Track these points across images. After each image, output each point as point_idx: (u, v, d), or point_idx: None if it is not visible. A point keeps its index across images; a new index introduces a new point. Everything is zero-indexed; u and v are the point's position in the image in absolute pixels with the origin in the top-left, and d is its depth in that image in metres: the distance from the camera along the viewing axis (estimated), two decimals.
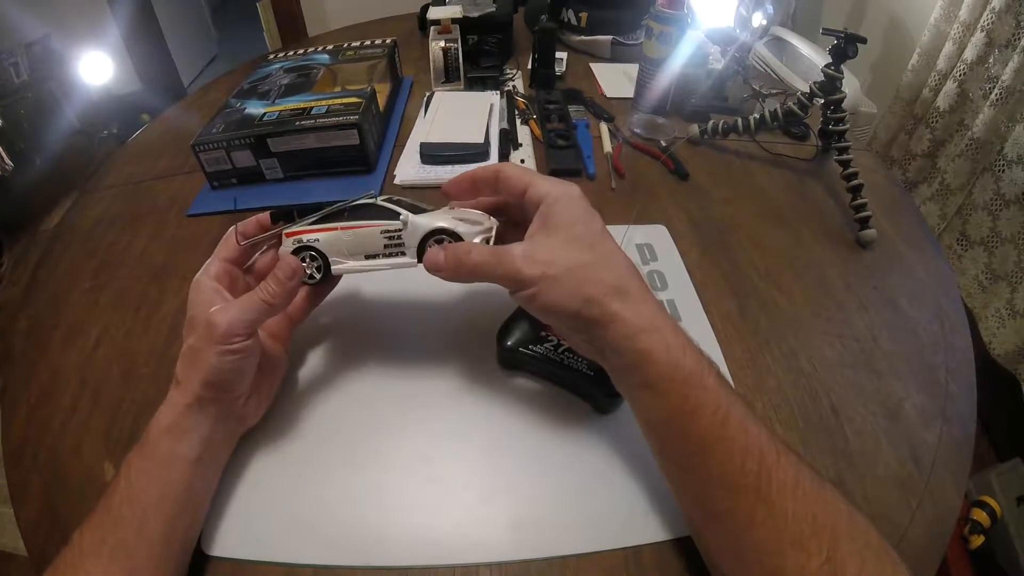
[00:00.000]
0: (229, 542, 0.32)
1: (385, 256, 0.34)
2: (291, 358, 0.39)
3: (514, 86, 0.81)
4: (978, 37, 1.03)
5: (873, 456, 0.37)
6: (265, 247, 0.37)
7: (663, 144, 0.67)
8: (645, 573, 0.31)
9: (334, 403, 0.39)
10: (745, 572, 0.25)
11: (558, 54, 0.84)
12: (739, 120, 0.66)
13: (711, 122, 0.68)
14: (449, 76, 0.79)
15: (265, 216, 0.36)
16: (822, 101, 0.60)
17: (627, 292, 0.29)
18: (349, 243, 0.34)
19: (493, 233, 0.34)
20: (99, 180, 0.66)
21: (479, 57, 0.86)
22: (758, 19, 0.75)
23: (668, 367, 0.27)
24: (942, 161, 1.17)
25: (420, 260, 0.33)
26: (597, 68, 0.88)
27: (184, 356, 0.31)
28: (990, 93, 1.01)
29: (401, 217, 0.33)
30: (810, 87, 0.60)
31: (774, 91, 0.78)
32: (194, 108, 0.81)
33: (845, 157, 0.57)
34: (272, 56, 0.78)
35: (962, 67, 1.08)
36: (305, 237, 0.34)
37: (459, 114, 0.71)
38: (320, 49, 0.76)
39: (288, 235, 0.35)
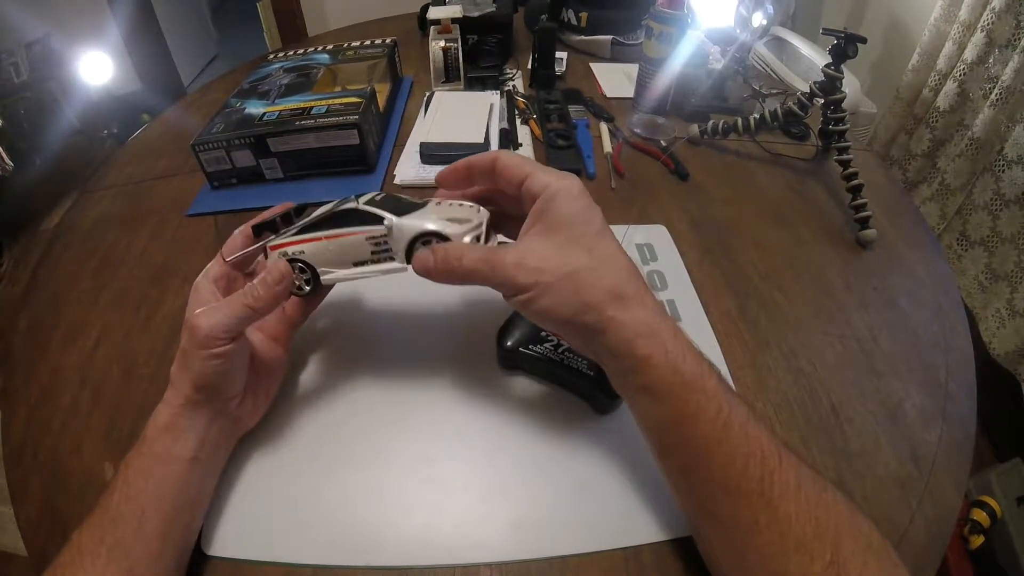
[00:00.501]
0: (228, 542, 0.32)
1: (373, 263, 0.33)
2: (290, 359, 0.38)
3: (514, 86, 0.81)
4: (978, 37, 1.03)
5: (873, 456, 0.37)
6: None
7: (663, 144, 0.67)
8: (645, 573, 0.31)
9: (334, 403, 0.39)
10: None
11: (558, 54, 0.84)
12: (739, 120, 0.66)
13: (711, 122, 0.68)
14: (449, 76, 0.79)
15: (248, 228, 0.35)
16: (822, 101, 0.60)
17: (625, 296, 0.28)
18: (335, 252, 0.33)
19: (484, 228, 0.32)
20: (99, 180, 0.66)
21: (479, 57, 0.86)
22: (758, 19, 0.75)
23: (667, 372, 0.27)
24: (942, 161, 1.17)
25: (409, 263, 0.32)
26: (597, 68, 0.88)
27: (177, 358, 0.31)
28: (990, 93, 1.01)
29: (385, 222, 0.32)
30: (810, 87, 0.60)
31: (774, 91, 0.78)
32: (194, 108, 0.82)
33: (845, 157, 0.57)
34: (272, 56, 0.79)
35: (962, 67, 1.07)
36: (290, 250, 0.33)
37: (459, 114, 0.71)
38: (320, 49, 0.76)
39: (273, 248, 0.34)
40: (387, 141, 0.68)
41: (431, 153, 0.63)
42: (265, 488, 0.34)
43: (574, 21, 0.91)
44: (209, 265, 0.34)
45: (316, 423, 0.37)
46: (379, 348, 0.42)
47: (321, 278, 0.34)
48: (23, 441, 0.38)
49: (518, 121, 0.72)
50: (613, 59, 0.90)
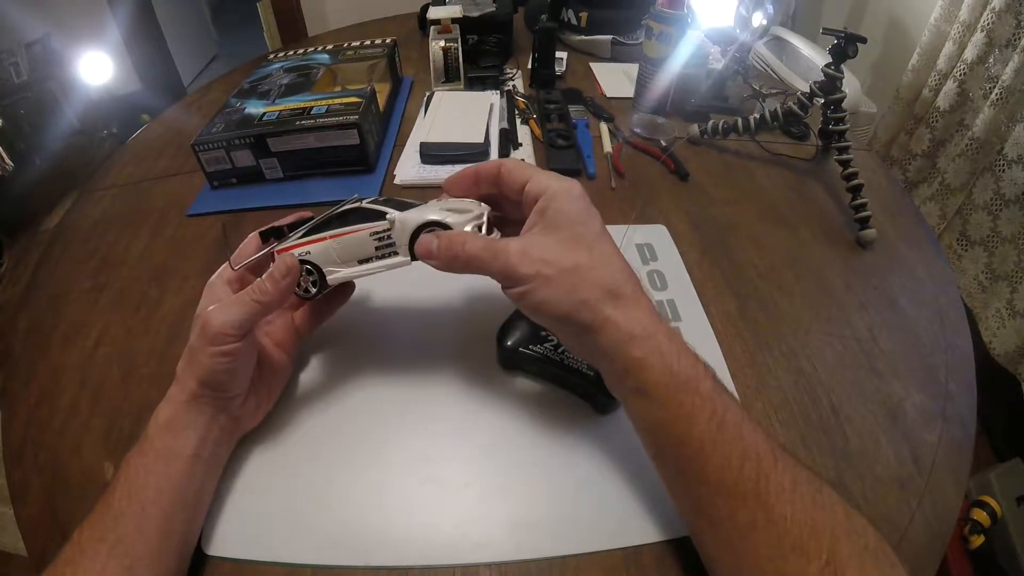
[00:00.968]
0: (229, 542, 0.32)
1: (378, 258, 0.34)
2: (294, 366, 0.39)
3: (514, 86, 0.81)
4: (978, 37, 1.03)
5: (873, 456, 0.37)
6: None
7: (663, 144, 0.67)
8: (645, 573, 0.31)
9: (334, 403, 0.39)
10: None
11: (558, 54, 0.84)
12: (739, 120, 0.66)
13: (711, 122, 0.68)
14: (449, 76, 0.79)
15: (257, 236, 0.36)
16: (822, 101, 0.60)
17: (621, 296, 0.28)
18: (340, 251, 0.34)
19: (485, 220, 0.33)
20: (99, 180, 0.66)
21: (479, 57, 0.86)
22: (758, 19, 0.75)
23: (662, 373, 0.27)
24: (942, 161, 1.17)
25: (413, 257, 0.33)
26: (597, 68, 0.88)
27: (184, 354, 0.31)
28: (990, 93, 1.01)
29: (388, 216, 0.32)
30: (810, 87, 0.60)
31: (774, 91, 0.78)
32: (194, 108, 0.81)
33: (845, 157, 0.57)
34: (272, 56, 0.78)
35: (962, 67, 1.08)
36: (296, 252, 0.34)
37: (459, 114, 0.71)
38: (320, 49, 0.76)
39: (279, 252, 0.35)
40: (387, 141, 0.68)
41: (431, 153, 0.63)
42: (265, 488, 0.34)
43: (574, 21, 0.91)
44: (223, 267, 0.34)
45: (316, 423, 0.37)
46: (379, 348, 0.42)
47: (328, 278, 0.35)
48: (23, 441, 0.38)
49: (518, 121, 0.72)
50: (613, 59, 0.90)
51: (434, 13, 0.77)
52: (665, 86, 0.66)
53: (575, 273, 0.28)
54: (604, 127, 0.70)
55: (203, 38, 2.72)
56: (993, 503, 0.91)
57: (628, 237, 0.52)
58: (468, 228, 0.32)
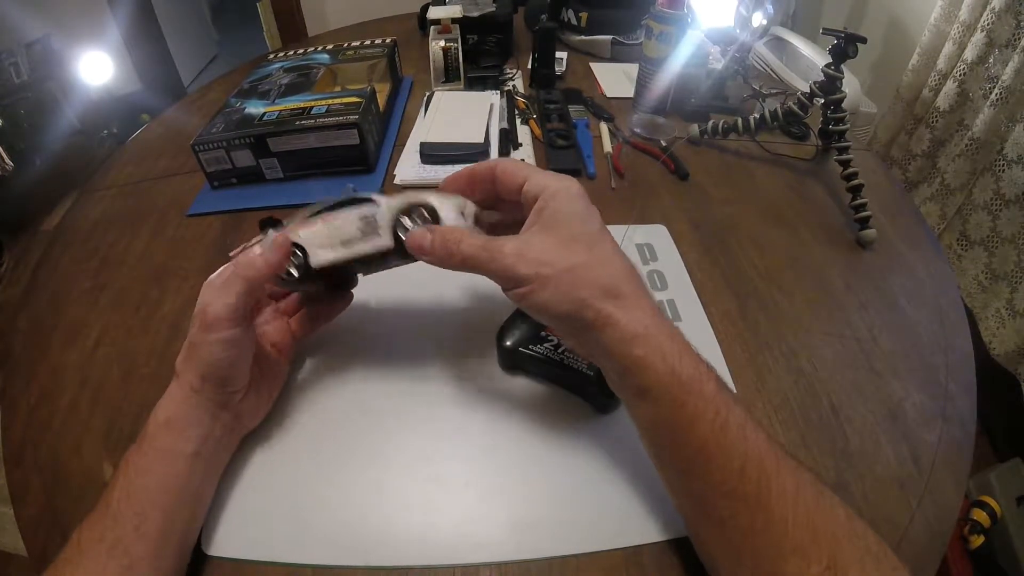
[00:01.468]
0: (229, 542, 0.32)
1: (361, 240, 0.34)
2: (291, 367, 0.39)
3: (514, 86, 0.81)
4: (978, 37, 1.03)
5: (873, 456, 0.37)
6: None
7: (663, 144, 0.67)
8: (645, 573, 0.31)
9: (334, 403, 0.39)
10: None
11: (558, 54, 0.84)
12: (739, 120, 0.66)
13: (711, 122, 0.68)
14: (449, 76, 0.79)
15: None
16: (822, 101, 0.60)
17: (623, 295, 0.28)
18: (326, 234, 0.34)
19: (469, 209, 0.33)
20: (99, 180, 0.66)
21: (479, 57, 0.86)
22: (758, 19, 0.75)
23: (664, 374, 0.26)
24: (942, 161, 1.17)
25: (395, 239, 0.33)
26: (597, 68, 0.88)
27: (184, 349, 0.31)
28: (990, 93, 1.01)
29: (375, 199, 0.33)
30: (810, 87, 0.60)
31: (774, 91, 0.78)
32: (194, 108, 0.82)
33: (845, 157, 0.57)
34: (272, 56, 0.78)
35: (962, 67, 1.08)
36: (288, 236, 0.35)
37: (459, 114, 0.71)
38: (320, 49, 0.76)
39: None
40: (387, 141, 0.68)
41: (431, 153, 0.63)
42: (265, 488, 0.34)
43: (574, 21, 0.91)
44: (222, 268, 0.34)
45: (316, 423, 0.37)
46: (379, 348, 0.42)
47: (311, 260, 0.34)
48: (23, 441, 0.38)
49: (518, 121, 0.72)
50: (613, 59, 0.90)
51: (434, 13, 0.77)
52: (665, 86, 0.66)
53: (575, 272, 0.28)
54: (604, 127, 0.70)
55: (203, 38, 2.72)
56: (993, 503, 0.91)
57: (628, 237, 0.52)
58: (452, 213, 0.32)
